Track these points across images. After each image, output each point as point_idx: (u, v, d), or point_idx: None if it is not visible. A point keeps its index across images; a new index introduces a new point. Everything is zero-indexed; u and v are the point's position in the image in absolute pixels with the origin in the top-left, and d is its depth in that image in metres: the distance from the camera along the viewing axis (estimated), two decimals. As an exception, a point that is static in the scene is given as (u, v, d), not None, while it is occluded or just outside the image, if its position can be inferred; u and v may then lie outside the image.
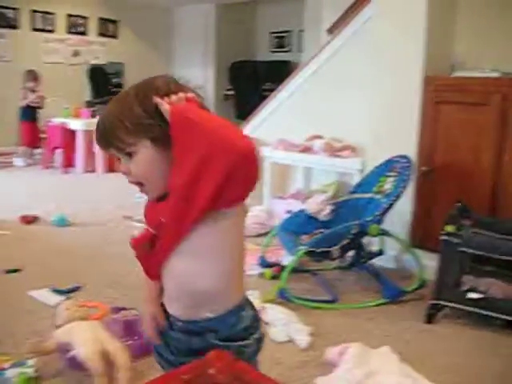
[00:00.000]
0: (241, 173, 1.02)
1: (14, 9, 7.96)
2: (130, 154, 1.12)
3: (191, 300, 1.19)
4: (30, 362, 2.09)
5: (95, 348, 1.85)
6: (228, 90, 9.46)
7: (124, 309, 2.35)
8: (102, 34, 8.94)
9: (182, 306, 1.21)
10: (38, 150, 7.02)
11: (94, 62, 8.78)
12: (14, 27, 8.00)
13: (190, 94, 1.10)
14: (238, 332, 1.21)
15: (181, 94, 1.08)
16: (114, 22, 9.04)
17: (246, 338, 1.22)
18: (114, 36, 9.09)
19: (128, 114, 1.10)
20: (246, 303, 1.24)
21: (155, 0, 8.86)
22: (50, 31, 8.37)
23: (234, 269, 1.20)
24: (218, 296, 1.18)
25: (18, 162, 6.86)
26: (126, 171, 1.14)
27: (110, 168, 6.05)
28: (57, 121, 6.50)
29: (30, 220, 4.06)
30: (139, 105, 1.10)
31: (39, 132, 6.94)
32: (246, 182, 1.06)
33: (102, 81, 8.78)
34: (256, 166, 1.03)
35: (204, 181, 1.03)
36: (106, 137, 1.14)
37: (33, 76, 6.90)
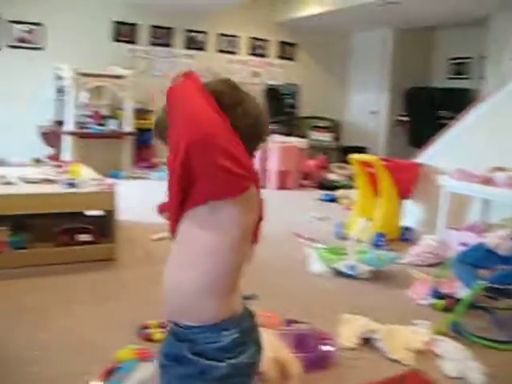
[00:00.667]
0: (198, 156, 1.05)
1: (203, 32, 8.64)
2: None
3: (174, 298, 1.20)
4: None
5: (270, 355, 1.94)
6: (401, 115, 9.33)
7: (296, 322, 2.42)
8: (281, 57, 9.30)
9: (169, 303, 1.22)
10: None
11: (271, 82, 9.16)
12: (201, 49, 8.66)
13: (191, 72, 1.17)
14: (212, 350, 1.15)
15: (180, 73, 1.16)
16: (292, 45, 9.37)
17: (220, 359, 1.15)
18: (291, 58, 9.41)
19: None
20: (234, 324, 1.18)
21: (334, 26, 9.05)
22: (234, 53, 8.92)
23: (219, 277, 1.16)
24: (199, 303, 1.16)
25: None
26: None
27: (282, 185, 6.26)
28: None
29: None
30: None
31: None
32: (206, 169, 1.07)
33: (277, 101, 9.12)
34: (212, 154, 1.05)
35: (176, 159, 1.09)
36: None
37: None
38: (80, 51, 7.55)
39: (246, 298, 2.87)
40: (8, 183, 3.52)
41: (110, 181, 3.52)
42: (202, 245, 1.16)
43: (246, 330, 1.21)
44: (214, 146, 1.06)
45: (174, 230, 1.24)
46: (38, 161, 6.61)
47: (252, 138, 1.20)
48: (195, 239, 1.17)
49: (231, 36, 8.85)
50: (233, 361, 1.16)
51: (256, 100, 1.25)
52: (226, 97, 1.17)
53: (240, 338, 1.18)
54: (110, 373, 2.14)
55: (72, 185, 3.41)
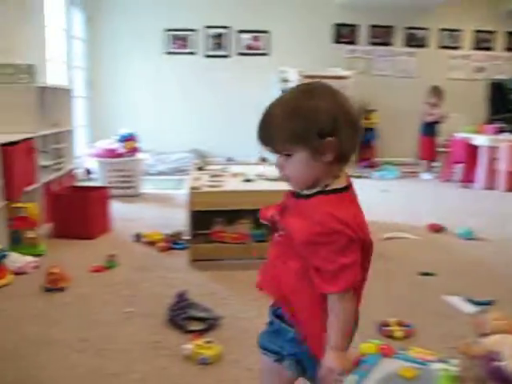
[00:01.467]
0: None
1: (424, 29, 8.43)
2: (288, 155, 1.20)
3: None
4: (454, 361, 2.21)
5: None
6: None
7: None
8: (509, 49, 8.69)
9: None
10: (436, 163, 7.31)
11: (496, 77, 8.61)
12: (422, 46, 8.46)
13: None
14: None
15: None
16: (521, 35, 8.71)
17: None
18: (520, 50, 8.76)
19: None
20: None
21: None
22: (456, 48, 8.56)
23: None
24: None
25: (425, 176, 7.18)
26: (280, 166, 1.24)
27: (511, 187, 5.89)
28: (460, 136, 6.61)
29: (437, 229, 4.25)
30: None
31: (437, 146, 7.20)
32: None
33: (503, 97, 8.55)
34: None
35: None
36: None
37: (436, 92, 7.18)
38: (302, 54, 7.90)
39: (484, 303, 2.77)
40: (248, 180, 3.81)
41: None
42: None
43: None
44: None
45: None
46: (264, 160, 7.04)
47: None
48: None
49: (453, 30, 8.51)
50: None
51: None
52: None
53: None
54: (354, 364, 2.22)
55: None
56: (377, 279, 3.16)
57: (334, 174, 1.23)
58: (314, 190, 1.23)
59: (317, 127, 1.16)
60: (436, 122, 7.16)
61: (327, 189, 1.22)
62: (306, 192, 1.24)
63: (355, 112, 1.22)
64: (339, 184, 1.23)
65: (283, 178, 1.27)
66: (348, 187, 1.25)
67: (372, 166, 7.67)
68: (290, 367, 1.34)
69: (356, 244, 1.21)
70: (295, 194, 1.28)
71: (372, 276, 3.22)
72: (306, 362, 1.33)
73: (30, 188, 3.91)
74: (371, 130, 8.01)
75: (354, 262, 1.20)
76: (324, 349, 1.25)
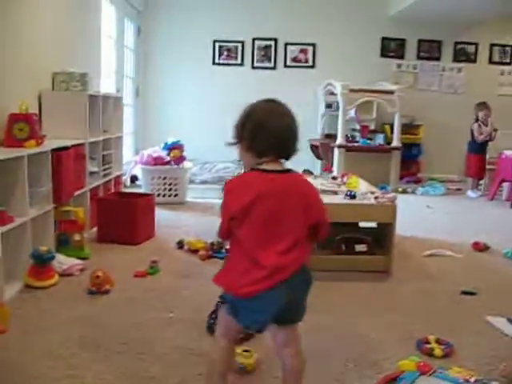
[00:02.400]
0: None
1: (473, 43, 8.31)
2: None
3: None
4: (495, 382, 2.18)
5: None
6: None
7: None
8: None
9: None
10: (482, 181, 7.18)
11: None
12: (470, 61, 8.34)
13: None
14: None
15: None
16: None
17: None
18: None
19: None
20: None
21: None
22: (507, 63, 8.41)
23: None
24: None
25: (471, 193, 7.03)
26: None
27: None
28: (508, 153, 6.46)
29: (481, 248, 4.18)
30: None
31: (486, 164, 7.06)
32: None
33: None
34: None
35: None
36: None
37: (484, 108, 7.04)
38: (349, 68, 7.90)
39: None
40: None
41: (390, 194, 3.60)
42: None
43: None
44: None
45: None
46: (308, 172, 7.04)
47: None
48: None
49: (504, 46, 8.36)
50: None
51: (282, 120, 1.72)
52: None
53: None
54: (391, 381, 2.20)
55: (352, 196, 3.57)
56: (417, 296, 3.15)
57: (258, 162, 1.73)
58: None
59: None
60: (486, 141, 7.02)
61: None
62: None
63: (272, 124, 1.69)
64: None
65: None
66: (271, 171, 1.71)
67: (417, 182, 7.58)
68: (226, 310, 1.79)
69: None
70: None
71: (412, 293, 3.22)
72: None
73: (78, 193, 4.03)
74: (417, 145, 7.93)
75: None
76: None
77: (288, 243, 1.68)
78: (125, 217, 4.03)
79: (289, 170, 1.76)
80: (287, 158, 1.77)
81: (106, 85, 6.04)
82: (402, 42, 8.24)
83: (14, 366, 2.19)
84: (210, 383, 1.87)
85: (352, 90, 6.74)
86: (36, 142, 3.34)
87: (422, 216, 5.53)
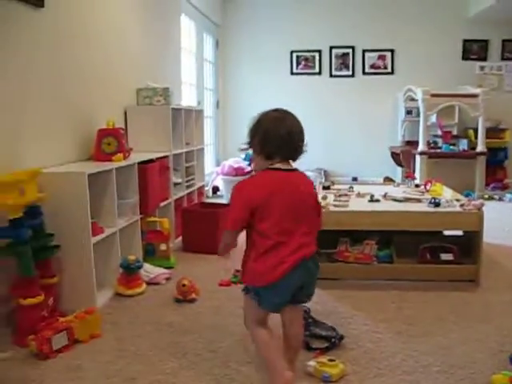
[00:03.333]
0: None
1: None
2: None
3: None
4: None
5: None
6: None
7: None
8: None
9: None
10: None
11: None
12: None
13: None
14: None
15: None
16: None
17: None
18: None
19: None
20: None
21: None
22: None
23: None
24: None
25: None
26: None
27: None
28: None
29: None
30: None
31: None
32: None
33: None
34: None
35: None
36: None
37: None
38: (429, 72, 7.73)
39: None
40: (374, 200, 3.78)
41: (477, 201, 3.48)
42: None
43: None
44: None
45: None
46: (389, 180, 6.94)
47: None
48: None
49: None
50: None
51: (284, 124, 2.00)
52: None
53: None
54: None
55: (437, 204, 3.48)
56: (509, 307, 3.01)
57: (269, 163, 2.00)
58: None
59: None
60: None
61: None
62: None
63: (278, 131, 1.98)
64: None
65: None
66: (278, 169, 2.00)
67: (504, 188, 7.29)
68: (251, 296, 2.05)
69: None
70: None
71: (503, 303, 3.09)
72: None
73: (163, 204, 4.15)
74: (503, 149, 7.62)
75: None
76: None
77: (305, 229, 1.96)
78: (208, 227, 4.11)
79: (295, 170, 2.06)
80: (294, 159, 2.05)
81: (187, 98, 6.21)
82: (484, 44, 7.95)
83: (107, 369, 2.29)
84: (268, 365, 2.02)
85: (433, 95, 6.57)
86: (123, 155, 3.48)
87: (511, 223, 5.30)
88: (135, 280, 3.25)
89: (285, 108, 2.11)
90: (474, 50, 7.98)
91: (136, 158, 3.67)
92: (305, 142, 2.05)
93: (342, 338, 2.52)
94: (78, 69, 3.50)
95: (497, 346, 2.51)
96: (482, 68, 8.01)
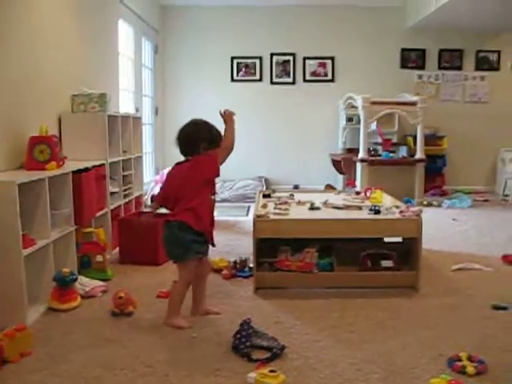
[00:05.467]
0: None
1: (496, 51, 8.26)
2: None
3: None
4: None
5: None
6: None
7: None
8: None
9: None
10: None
11: None
12: (494, 69, 8.28)
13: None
14: None
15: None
16: None
17: None
18: None
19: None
20: None
21: None
22: (531, 71, 8.35)
23: None
24: None
25: None
26: None
27: None
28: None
29: (511, 260, 4.13)
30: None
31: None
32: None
33: None
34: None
35: None
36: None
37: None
38: (369, 80, 7.94)
39: None
40: (314, 208, 3.83)
41: (415, 208, 3.58)
42: None
43: None
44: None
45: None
46: (331, 187, 7.05)
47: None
48: None
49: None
50: None
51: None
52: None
53: None
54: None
55: (377, 211, 3.55)
56: (447, 312, 3.11)
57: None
58: None
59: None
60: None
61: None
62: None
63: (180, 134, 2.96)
64: None
65: None
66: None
67: (442, 194, 7.53)
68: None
69: None
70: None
71: (441, 308, 3.19)
72: None
73: (99, 214, 4.07)
74: (441, 156, 7.88)
75: None
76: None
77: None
78: (146, 237, 4.06)
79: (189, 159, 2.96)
80: (186, 155, 2.96)
81: (125, 104, 6.12)
82: (422, 53, 8.23)
83: (39, 390, 2.21)
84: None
85: (373, 103, 6.73)
86: (57, 164, 3.40)
87: (449, 229, 5.47)
88: (70, 294, 3.16)
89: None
90: (412, 58, 8.24)
91: (70, 166, 3.58)
92: (194, 142, 2.92)
93: (283, 348, 2.52)
94: (6, 72, 3.39)
95: (436, 351, 2.58)
96: (420, 76, 8.28)
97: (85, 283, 3.41)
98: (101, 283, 3.49)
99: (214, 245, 2.98)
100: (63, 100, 4.22)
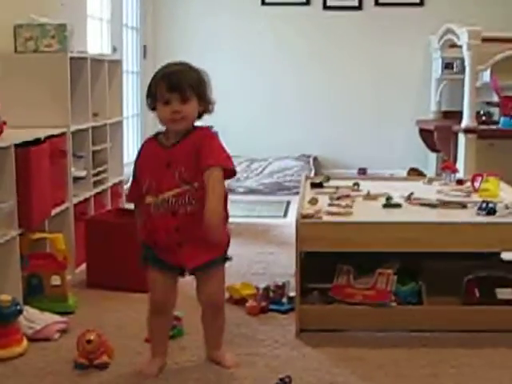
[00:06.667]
0: None
1: None
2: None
3: None
4: None
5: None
6: None
7: None
8: None
9: None
10: None
11: None
12: None
13: None
14: None
15: None
16: None
17: None
18: None
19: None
20: None
21: None
22: None
23: None
24: None
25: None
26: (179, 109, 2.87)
27: None
28: None
29: None
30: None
31: None
32: None
33: None
34: None
35: None
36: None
37: None
38: (479, 3, 7.82)
39: None
40: (392, 205, 3.80)
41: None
42: None
43: None
44: None
45: None
46: (417, 172, 7.00)
47: None
48: None
49: None
50: None
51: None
52: None
53: None
54: None
55: (491, 211, 3.52)
56: None
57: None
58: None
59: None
60: None
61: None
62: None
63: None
64: None
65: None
66: None
67: None
68: None
69: None
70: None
71: None
72: None
73: (56, 210, 4.10)
74: None
75: None
76: None
77: None
78: (127, 247, 4.05)
79: None
80: None
81: (96, 41, 6.15)
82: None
83: None
84: None
85: (486, 40, 6.63)
86: (-10, 132, 3.43)
87: None
88: (11, 334, 3.19)
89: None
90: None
91: (13, 136, 3.61)
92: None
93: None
94: None
95: None
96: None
97: (33, 318, 3.44)
98: (58, 318, 3.51)
99: (228, 258, 2.97)
100: (2, 33, 4.25)
